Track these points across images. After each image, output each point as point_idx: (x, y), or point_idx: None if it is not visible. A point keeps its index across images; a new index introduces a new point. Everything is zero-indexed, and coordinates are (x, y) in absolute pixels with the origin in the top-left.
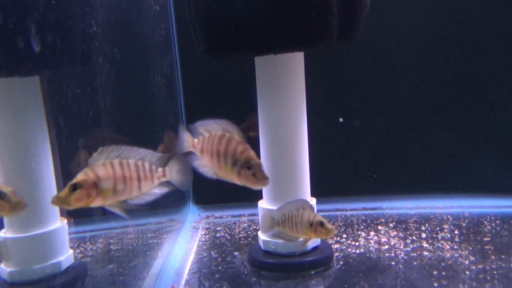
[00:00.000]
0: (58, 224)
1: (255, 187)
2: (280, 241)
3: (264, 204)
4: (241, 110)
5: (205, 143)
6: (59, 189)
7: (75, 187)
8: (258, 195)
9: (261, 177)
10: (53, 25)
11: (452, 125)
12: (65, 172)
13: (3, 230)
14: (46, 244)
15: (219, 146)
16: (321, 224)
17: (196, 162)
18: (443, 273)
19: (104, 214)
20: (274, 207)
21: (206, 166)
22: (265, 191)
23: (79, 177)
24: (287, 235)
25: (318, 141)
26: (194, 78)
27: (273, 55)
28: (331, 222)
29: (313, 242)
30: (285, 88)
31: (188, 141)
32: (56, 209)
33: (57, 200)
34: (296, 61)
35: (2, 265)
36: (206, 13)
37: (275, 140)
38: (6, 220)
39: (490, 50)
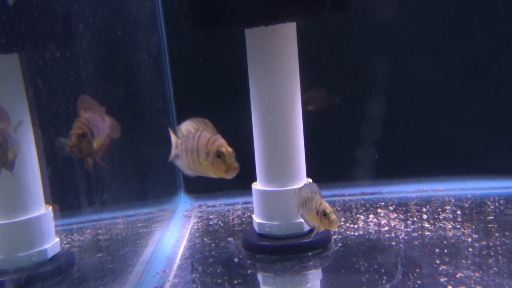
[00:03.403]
0: (42, 210)
1: (227, 175)
2: (276, 223)
3: (258, 186)
4: (232, 90)
5: (184, 142)
6: (42, 174)
7: None
8: (251, 182)
9: (231, 164)
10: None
11: (453, 108)
12: (48, 158)
13: None
14: (31, 231)
15: (193, 142)
16: (325, 213)
17: (179, 162)
18: (445, 250)
19: (91, 205)
20: (268, 189)
21: (186, 165)
22: (259, 172)
23: None
24: (306, 218)
25: (314, 126)
26: (182, 60)
27: (265, 27)
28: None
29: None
30: (277, 63)
31: (174, 143)
32: (41, 195)
33: None
34: (288, 34)
35: None
36: None
37: (268, 117)
38: None
39: (489, 35)
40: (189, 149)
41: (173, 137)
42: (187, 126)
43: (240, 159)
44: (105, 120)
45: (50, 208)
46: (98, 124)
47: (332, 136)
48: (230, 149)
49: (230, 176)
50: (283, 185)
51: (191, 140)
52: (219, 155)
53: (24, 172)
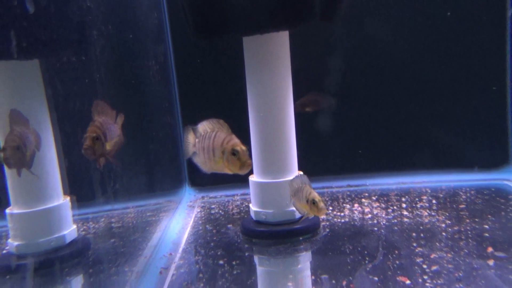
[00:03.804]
0: (61, 200)
1: (241, 171)
2: (270, 211)
3: (254, 178)
4: (231, 93)
5: (201, 141)
6: (61, 169)
7: None
8: (249, 175)
9: (245, 161)
10: (51, 14)
11: (429, 108)
12: (66, 153)
13: (10, 207)
14: (50, 219)
15: (209, 141)
16: (314, 202)
17: (196, 159)
18: (422, 234)
19: (105, 197)
20: (264, 180)
21: (203, 162)
22: (255, 165)
23: None
24: (297, 207)
25: (306, 124)
26: (187, 66)
27: (260, 35)
28: None
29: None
30: (271, 67)
31: (191, 142)
32: (59, 187)
33: None
34: (281, 41)
35: (10, 240)
36: None
37: (263, 116)
38: (12, 197)
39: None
40: (205, 148)
41: (191, 137)
42: (204, 127)
43: None
44: (116, 123)
45: (68, 198)
46: (110, 127)
47: (322, 135)
48: (244, 148)
49: (244, 172)
50: (277, 177)
51: (207, 140)
52: (234, 153)
53: (44, 166)
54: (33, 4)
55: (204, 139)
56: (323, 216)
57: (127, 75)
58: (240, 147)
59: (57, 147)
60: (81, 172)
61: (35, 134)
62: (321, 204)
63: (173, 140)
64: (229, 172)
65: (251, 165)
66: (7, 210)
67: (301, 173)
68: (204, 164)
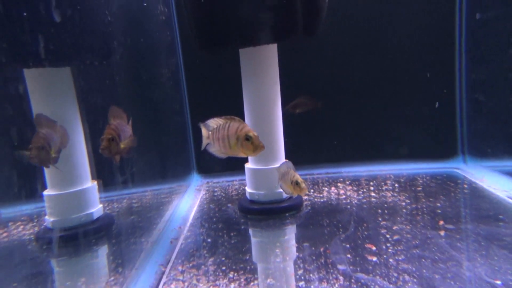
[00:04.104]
0: (89, 184)
1: (255, 153)
2: (262, 192)
3: (249, 165)
4: (232, 96)
5: (215, 133)
6: (89, 159)
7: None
8: (245, 163)
9: (258, 144)
10: (81, 28)
11: (393, 109)
12: (93, 145)
13: (47, 190)
14: (81, 199)
15: (224, 131)
16: (297, 183)
17: (211, 149)
18: (386, 211)
19: (126, 183)
20: (257, 167)
21: (218, 150)
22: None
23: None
24: (284, 188)
25: (291, 123)
26: (194, 74)
27: (253, 47)
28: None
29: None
30: (263, 74)
31: (204, 135)
32: (88, 173)
33: None
34: (271, 52)
35: (47, 217)
36: (199, 16)
37: (256, 115)
38: (48, 181)
39: (413, 46)
40: (220, 138)
41: (204, 131)
42: (215, 121)
43: None
44: (129, 125)
45: (95, 182)
46: (124, 129)
47: (305, 132)
48: (256, 134)
49: (257, 153)
50: (267, 164)
51: (222, 130)
52: (248, 138)
53: (74, 156)
54: (60, 14)
55: (218, 130)
56: (305, 197)
57: (145, 81)
58: (253, 133)
59: (86, 141)
60: (108, 163)
61: (62, 133)
62: (303, 185)
63: (183, 135)
64: (244, 156)
65: (264, 147)
66: (44, 192)
67: (287, 160)
68: (219, 151)
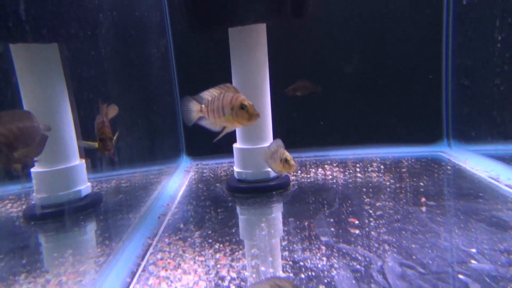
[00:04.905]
0: (77, 162)
1: (250, 122)
2: (250, 171)
3: (237, 145)
4: (221, 77)
5: (209, 105)
6: (77, 136)
7: None
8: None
9: (253, 112)
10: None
11: (381, 95)
12: (82, 123)
13: (34, 167)
14: (69, 176)
15: (218, 102)
16: (286, 160)
17: (205, 122)
18: (370, 190)
19: (116, 164)
20: (244, 147)
21: (213, 123)
22: (238, 135)
23: None
24: (273, 167)
25: (280, 107)
26: (184, 55)
27: (242, 27)
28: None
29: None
30: (252, 53)
31: (195, 109)
32: (76, 151)
33: None
34: (259, 32)
35: (34, 193)
36: None
37: (245, 94)
38: (36, 158)
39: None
40: (215, 109)
41: (195, 104)
42: (210, 93)
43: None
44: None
45: (83, 161)
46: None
47: (294, 114)
48: (250, 102)
49: (252, 122)
50: (255, 144)
51: (216, 101)
52: (242, 107)
53: (62, 134)
54: None
55: (213, 102)
56: (292, 177)
57: (133, 61)
58: (247, 101)
59: (74, 119)
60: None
61: (33, 132)
62: (292, 162)
63: (173, 117)
64: (239, 126)
65: (259, 115)
66: (32, 170)
67: (278, 139)
68: (214, 124)
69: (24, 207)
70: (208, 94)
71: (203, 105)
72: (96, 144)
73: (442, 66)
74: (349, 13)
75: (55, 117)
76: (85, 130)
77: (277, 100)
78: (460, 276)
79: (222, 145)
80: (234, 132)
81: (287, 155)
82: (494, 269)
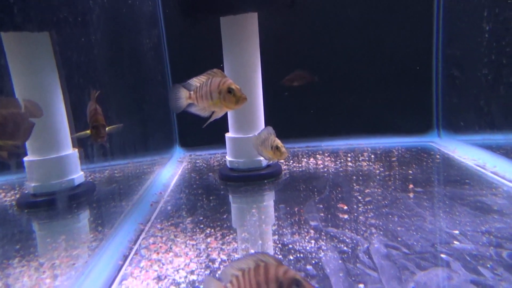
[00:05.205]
0: (70, 151)
1: (238, 106)
2: (242, 160)
3: (230, 134)
4: (213, 67)
5: (198, 91)
6: (70, 124)
7: None
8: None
9: (240, 96)
10: None
11: (372, 87)
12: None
13: (27, 156)
14: (62, 165)
15: (206, 88)
16: (277, 147)
17: (194, 109)
18: (360, 178)
19: (108, 154)
20: (237, 136)
21: (202, 108)
22: (230, 124)
23: None
24: (264, 154)
25: (272, 98)
26: (177, 46)
27: (234, 16)
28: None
29: (266, 160)
30: (243, 42)
31: (184, 96)
32: (69, 141)
33: None
34: (251, 21)
35: (27, 182)
36: None
37: (237, 84)
38: (28, 148)
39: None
40: (203, 95)
41: (183, 91)
42: (198, 79)
43: (219, 118)
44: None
45: (76, 150)
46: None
47: (287, 106)
48: (237, 86)
49: (240, 105)
50: (247, 133)
51: (204, 87)
52: (230, 91)
53: (54, 123)
54: None
55: (201, 88)
56: (284, 166)
57: (126, 51)
58: (235, 85)
59: (67, 108)
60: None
61: (21, 119)
62: (283, 149)
63: (166, 108)
64: (227, 110)
65: (246, 99)
66: (25, 158)
67: (269, 126)
68: (203, 110)
69: (17, 196)
70: (196, 81)
71: (191, 92)
72: (88, 132)
73: (433, 57)
74: (341, 5)
75: (48, 106)
76: (77, 118)
77: (269, 91)
78: (442, 255)
79: (215, 136)
80: (227, 123)
81: (278, 142)
82: (475, 249)
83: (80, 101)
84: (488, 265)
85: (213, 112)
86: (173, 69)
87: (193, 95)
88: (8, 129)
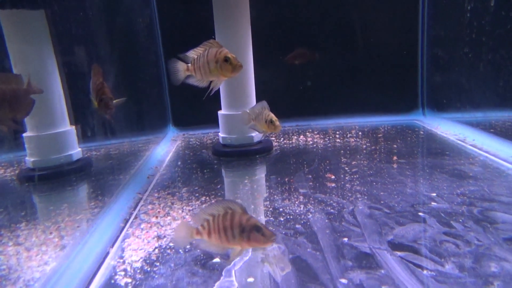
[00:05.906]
0: (68, 127)
1: (234, 73)
2: (234, 136)
3: (222, 111)
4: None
5: (196, 62)
6: (67, 104)
7: None
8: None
9: (236, 64)
10: None
11: (360, 68)
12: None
13: (26, 132)
14: (60, 141)
15: (203, 58)
16: (271, 121)
17: (192, 80)
18: (348, 152)
19: (105, 134)
20: (229, 112)
21: (200, 79)
22: (223, 101)
23: None
24: (257, 127)
25: (264, 78)
26: (170, 26)
27: None
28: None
29: (258, 136)
30: (235, 21)
31: (182, 69)
32: (66, 117)
33: None
34: (242, 1)
35: (27, 157)
36: None
37: None
38: (27, 124)
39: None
40: (201, 65)
41: (180, 64)
42: (195, 52)
43: (211, 98)
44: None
45: (74, 127)
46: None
47: (278, 86)
48: (233, 55)
49: (236, 73)
50: (239, 109)
51: (202, 58)
52: (226, 59)
53: (52, 99)
54: None
55: (198, 59)
56: (275, 143)
57: (119, 31)
58: (231, 54)
59: (63, 86)
60: (86, 114)
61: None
62: (277, 123)
63: (160, 89)
64: (224, 78)
65: (242, 66)
66: (24, 134)
67: (263, 101)
68: (201, 81)
69: (17, 172)
70: (194, 53)
71: (189, 64)
72: (95, 104)
73: (419, 38)
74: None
75: (45, 84)
76: (74, 98)
77: (260, 71)
78: (420, 213)
79: (208, 116)
80: (219, 102)
81: (272, 116)
82: (449, 207)
83: (76, 79)
84: (460, 220)
85: (210, 83)
86: (166, 49)
87: (191, 67)
88: (8, 104)
